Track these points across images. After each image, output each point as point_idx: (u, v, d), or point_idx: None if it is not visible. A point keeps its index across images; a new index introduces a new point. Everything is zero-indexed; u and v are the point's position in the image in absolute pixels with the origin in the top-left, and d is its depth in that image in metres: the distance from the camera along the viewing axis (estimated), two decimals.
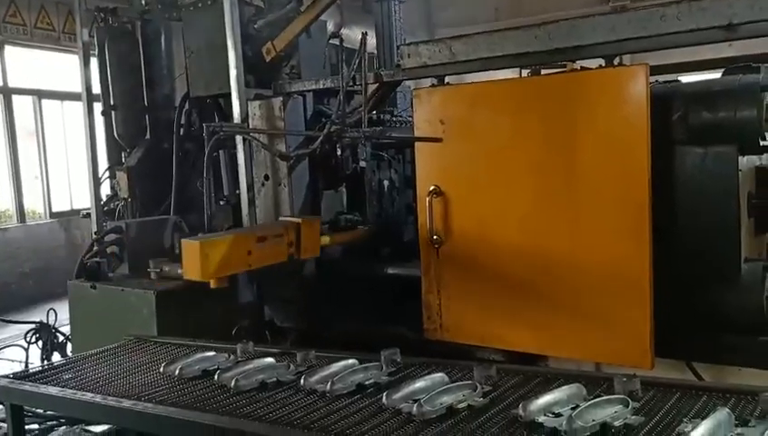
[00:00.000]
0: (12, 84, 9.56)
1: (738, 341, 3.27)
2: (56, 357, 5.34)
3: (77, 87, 5.34)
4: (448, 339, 3.89)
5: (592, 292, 3.39)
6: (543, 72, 3.78)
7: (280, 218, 3.77)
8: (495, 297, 3.69)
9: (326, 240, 4.01)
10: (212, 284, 3.31)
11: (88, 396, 2.56)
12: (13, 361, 5.50)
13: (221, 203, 4.78)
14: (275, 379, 2.39)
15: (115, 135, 5.43)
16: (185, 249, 3.23)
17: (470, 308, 3.80)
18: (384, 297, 4.42)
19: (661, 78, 3.73)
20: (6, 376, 2.89)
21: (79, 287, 4.28)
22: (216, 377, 2.45)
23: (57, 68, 10.12)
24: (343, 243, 4.31)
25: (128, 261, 4.38)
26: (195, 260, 3.14)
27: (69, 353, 5.20)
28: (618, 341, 3.34)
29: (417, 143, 3.93)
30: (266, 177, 4.40)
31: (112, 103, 5.39)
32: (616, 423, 1.80)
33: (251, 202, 4.40)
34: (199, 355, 2.69)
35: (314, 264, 4.50)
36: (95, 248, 4.47)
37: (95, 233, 4.89)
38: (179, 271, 4.14)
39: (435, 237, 3.83)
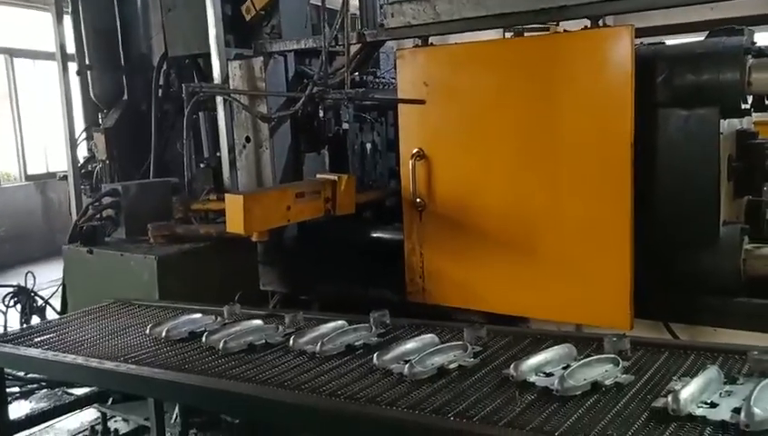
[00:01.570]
0: None
1: (715, 302, 3.30)
2: (36, 321, 5.24)
3: (51, 46, 5.14)
4: (430, 301, 3.88)
5: (573, 254, 3.40)
6: (525, 34, 3.72)
7: (318, 175, 3.83)
8: (477, 260, 3.69)
9: (361, 198, 4.09)
10: (255, 238, 3.39)
11: (70, 357, 2.50)
12: None
13: (202, 165, 4.67)
14: (264, 341, 2.35)
15: (92, 96, 5.26)
16: (229, 203, 3.30)
17: (453, 271, 3.80)
18: (367, 260, 4.38)
19: (645, 41, 3.69)
20: None
21: (75, 252, 4.12)
22: (204, 339, 2.39)
23: (29, 26, 9.74)
24: (373, 202, 4.40)
25: (125, 225, 4.22)
26: (239, 214, 3.20)
27: (48, 317, 5.10)
28: (598, 303, 3.37)
29: (400, 106, 3.87)
30: (247, 139, 4.31)
31: (87, 62, 5.20)
32: (607, 382, 1.81)
33: (233, 164, 4.31)
34: (185, 317, 2.63)
35: (297, 227, 4.44)
36: (90, 211, 4.30)
37: (89, 197, 4.73)
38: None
39: (418, 200, 3.79)
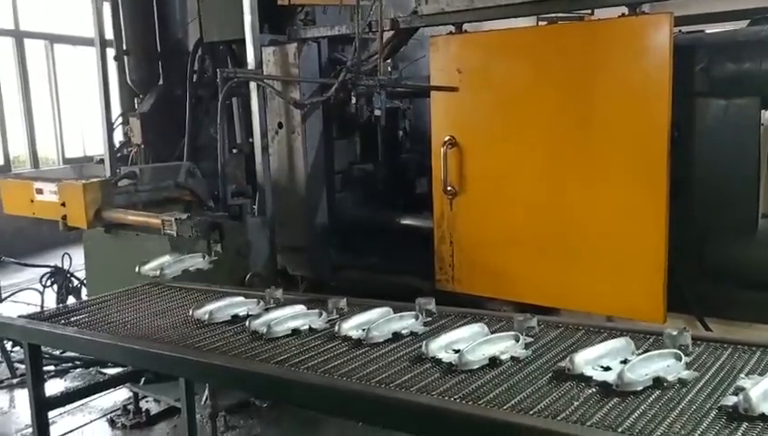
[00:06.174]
0: (24, 27, 9.06)
1: (752, 296, 3.13)
2: (71, 301, 5.15)
3: (90, 32, 5.02)
4: (459, 290, 3.73)
5: (606, 245, 3.24)
6: (559, 22, 3.54)
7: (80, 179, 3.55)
8: (508, 249, 3.54)
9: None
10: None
11: (108, 336, 2.37)
12: (29, 304, 5.32)
13: (234, 151, 4.53)
14: (308, 326, 2.20)
15: (128, 81, 5.15)
16: None
17: (483, 260, 3.64)
18: (395, 247, 4.23)
19: (683, 29, 3.49)
20: (24, 317, 2.69)
21: (93, 231, 4.08)
22: (247, 323, 2.24)
23: (69, 12, 9.61)
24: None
25: (142, 206, 4.13)
26: None
27: (84, 297, 5.00)
28: (631, 295, 3.21)
29: (432, 93, 3.71)
30: (279, 125, 4.18)
31: (124, 48, 5.07)
32: (670, 378, 1.63)
33: (265, 149, 4.17)
34: (227, 300, 2.48)
35: (326, 213, 4.29)
36: None
37: None
38: None
39: (449, 188, 3.63)
